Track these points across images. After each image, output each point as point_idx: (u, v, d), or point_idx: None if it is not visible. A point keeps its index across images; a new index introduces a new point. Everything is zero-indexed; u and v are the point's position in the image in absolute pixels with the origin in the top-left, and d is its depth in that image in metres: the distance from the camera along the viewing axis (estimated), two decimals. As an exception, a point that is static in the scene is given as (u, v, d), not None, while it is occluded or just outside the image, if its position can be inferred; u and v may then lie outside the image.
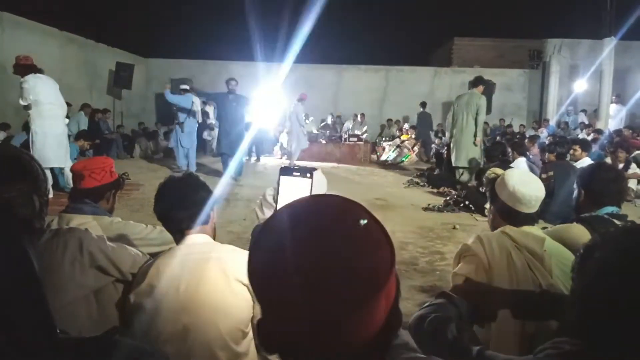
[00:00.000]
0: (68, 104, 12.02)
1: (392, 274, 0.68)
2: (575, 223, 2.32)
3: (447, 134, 8.47)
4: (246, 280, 1.72)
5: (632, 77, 16.25)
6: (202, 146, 15.05)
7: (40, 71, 6.99)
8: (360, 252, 0.66)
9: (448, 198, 7.61)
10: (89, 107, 12.21)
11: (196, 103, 10.06)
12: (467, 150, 8.14)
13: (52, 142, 6.85)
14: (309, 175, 1.06)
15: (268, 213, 2.60)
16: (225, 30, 22.88)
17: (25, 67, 6.86)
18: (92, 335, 1.62)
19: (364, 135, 14.64)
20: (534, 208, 2.04)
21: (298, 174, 1.06)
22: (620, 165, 8.20)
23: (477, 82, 8.32)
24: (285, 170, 1.07)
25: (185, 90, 10.16)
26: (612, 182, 2.40)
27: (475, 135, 8.08)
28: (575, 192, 2.46)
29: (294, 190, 1.06)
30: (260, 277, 0.68)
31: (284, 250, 0.66)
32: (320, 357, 0.67)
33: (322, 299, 0.62)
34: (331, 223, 0.70)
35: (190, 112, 9.95)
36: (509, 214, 2.06)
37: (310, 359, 0.68)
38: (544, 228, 2.56)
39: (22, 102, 6.74)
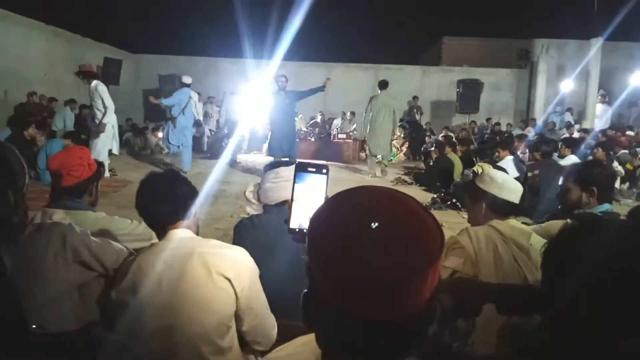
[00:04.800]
0: (54, 99, 11.98)
1: (441, 257, 0.73)
2: (568, 220, 2.34)
3: (365, 129, 10.25)
4: (229, 274, 1.72)
5: (619, 77, 16.40)
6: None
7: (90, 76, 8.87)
8: (418, 228, 0.73)
9: (435, 196, 7.65)
10: (74, 102, 12.06)
11: (194, 98, 9.70)
12: (383, 141, 9.96)
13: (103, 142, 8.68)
14: (324, 171, 1.07)
15: (250, 210, 2.60)
16: (213, 27, 22.80)
17: (90, 74, 8.66)
18: (71, 330, 1.60)
19: (353, 133, 14.64)
20: (518, 197, 2.11)
21: (314, 169, 1.06)
22: (602, 164, 8.29)
23: (386, 84, 10.14)
24: (301, 166, 1.07)
25: (184, 84, 9.79)
26: (609, 178, 2.43)
27: (393, 129, 10.11)
28: (567, 189, 2.45)
29: (309, 186, 1.06)
30: (323, 246, 0.73)
31: (348, 218, 0.74)
32: (366, 328, 0.71)
33: (383, 263, 0.68)
34: (395, 201, 0.77)
35: (185, 108, 9.56)
36: (500, 205, 2.12)
37: (356, 330, 0.72)
38: (538, 223, 2.58)
39: (108, 104, 8.55)
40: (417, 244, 0.71)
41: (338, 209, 0.77)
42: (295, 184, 1.06)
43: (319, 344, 0.80)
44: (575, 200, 2.41)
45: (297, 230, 1.05)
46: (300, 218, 1.04)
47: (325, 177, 1.07)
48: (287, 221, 1.06)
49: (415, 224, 0.74)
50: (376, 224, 0.72)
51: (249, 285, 1.78)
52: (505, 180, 2.15)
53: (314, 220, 0.78)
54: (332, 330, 0.76)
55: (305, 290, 0.80)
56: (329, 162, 12.19)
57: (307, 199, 1.05)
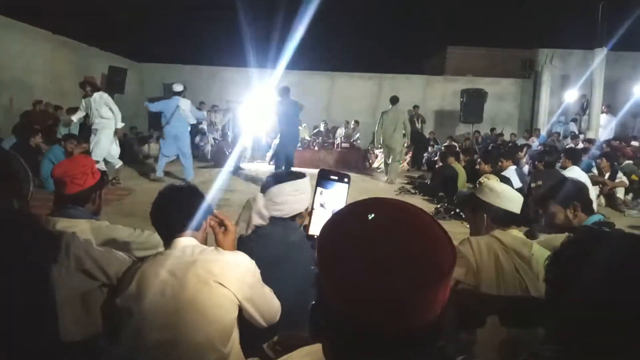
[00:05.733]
0: (59, 107, 12.04)
1: (452, 273, 0.73)
2: (567, 233, 2.34)
3: (378, 141, 11.28)
4: (228, 281, 1.73)
5: (623, 88, 16.38)
6: (193, 152, 14.97)
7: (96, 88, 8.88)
8: (430, 242, 0.73)
9: (439, 206, 7.63)
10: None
11: (183, 106, 9.42)
12: (394, 151, 10.86)
13: (104, 143, 8.84)
14: (346, 180, 1.07)
15: (255, 220, 2.56)
16: (218, 36, 22.93)
17: (92, 85, 8.76)
18: (77, 341, 1.61)
19: (357, 142, 14.65)
20: (519, 207, 2.12)
21: (336, 178, 1.07)
22: (607, 174, 8.26)
23: (397, 100, 11.07)
24: (324, 174, 1.08)
25: (175, 93, 9.56)
26: (584, 189, 2.46)
27: (405, 143, 11.18)
28: (552, 215, 2.46)
29: (331, 193, 1.07)
30: (333, 258, 0.73)
31: (360, 231, 0.73)
32: (375, 341, 0.71)
33: (394, 277, 0.68)
34: (407, 215, 0.76)
35: (171, 118, 9.36)
36: (501, 215, 2.13)
37: (364, 342, 0.71)
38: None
39: (116, 110, 8.86)
40: (428, 259, 0.71)
41: (349, 221, 0.76)
42: (317, 191, 1.07)
43: (325, 354, 0.80)
44: (563, 220, 2.41)
45: (315, 237, 1.05)
46: (320, 225, 1.04)
47: (346, 186, 1.08)
48: (306, 227, 1.06)
49: (427, 238, 0.73)
50: (372, 215, 0.72)
51: (249, 289, 1.79)
52: (504, 190, 2.18)
53: (324, 231, 0.77)
54: (339, 342, 0.75)
55: (314, 302, 0.79)
56: (332, 171, 12.17)
57: (328, 206, 1.06)
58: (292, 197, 2.23)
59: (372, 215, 0.73)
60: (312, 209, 1.06)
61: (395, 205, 0.79)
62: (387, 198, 0.81)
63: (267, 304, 1.88)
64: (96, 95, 8.73)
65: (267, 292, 1.89)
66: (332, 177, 1.07)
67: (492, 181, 2.27)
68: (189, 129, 9.78)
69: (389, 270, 0.68)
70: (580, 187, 2.47)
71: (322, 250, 0.75)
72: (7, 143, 8.58)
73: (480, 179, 2.45)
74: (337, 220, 0.78)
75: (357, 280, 0.69)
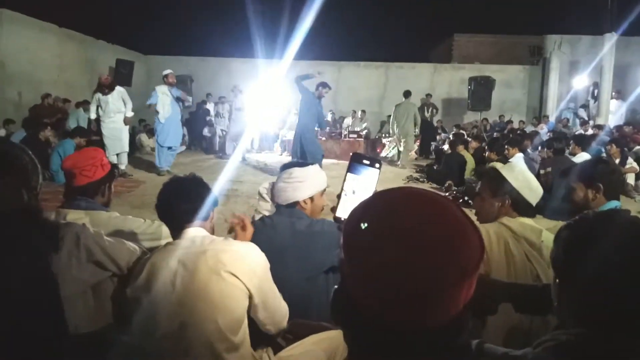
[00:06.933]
0: (67, 100, 12.09)
1: (477, 271, 0.71)
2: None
3: (392, 131, 12.35)
4: (239, 271, 1.73)
5: (633, 73, 16.17)
6: (199, 143, 15.01)
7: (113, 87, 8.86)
8: (458, 238, 0.71)
9: (447, 194, 7.61)
10: (87, 104, 12.10)
11: (155, 96, 9.34)
12: (406, 140, 11.84)
13: (114, 137, 8.82)
14: (377, 166, 1.08)
15: (264, 206, 2.60)
16: (225, 27, 22.86)
17: (108, 87, 8.76)
18: (89, 332, 1.62)
19: (364, 132, 14.61)
20: (537, 199, 2.08)
21: (368, 162, 1.07)
22: (617, 160, 8.19)
23: (409, 94, 12.04)
24: (356, 157, 1.08)
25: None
26: (614, 174, 2.38)
27: (415, 132, 12.30)
28: (571, 189, 2.41)
29: (361, 177, 1.07)
30: (357, 248, 0.72)
31: (386, 223, 0.71)
32: (393, 335, 0.70)
33: (418, 273, 0.66)
34: (437, 208, 0.74)
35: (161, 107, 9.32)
36: (522, 203, 2.09)
37: (383, 336, 0.71)
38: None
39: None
40: (454, 256, 0.69)
41: (377, 209, 0.75)
42: (348, 174, 1.07)
43: (346, 341, 0.79)
44: (581, 198, 2.34)
45: (342, 219, 1.05)
46: (348, 208, 1.04)
47: (377, 171, 1.08)
48: (334, 209, 1.07)
49: (455, 234, 0.71)
50: (365, 225, 0.71)
51: (259, 280, 1.79)
52: (531, 179, 2.15)
53: (351, 216, 0.75)
54: (359, 330, 0.74)
55: (336, 286, 0.78)
56: (339, 161, 12.18)
57: (357, 190, 1.06)
58: (285, 184, 2.26)
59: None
60: (342, 190, 1.06)
61: (424, 196, 0.76)
62: (417, 188, 0.79)
63: (276, 302, 1.88)
64: (115, 92, 8.75)
65: (276, 290, 1.89)
66: (365, 161, 1.08)
67: (531, 176, 2.21)
68: (157, 116, 9.46)
69: (412, 262, 0.67)
70: (610, 171, 2.37)
71: (347, 239, 0.73)
72: (17, 137, 8.63)
73: (489, 168, 2.42)
74: (366, 207, 0.76)
75: (378, 273, 0.68)
